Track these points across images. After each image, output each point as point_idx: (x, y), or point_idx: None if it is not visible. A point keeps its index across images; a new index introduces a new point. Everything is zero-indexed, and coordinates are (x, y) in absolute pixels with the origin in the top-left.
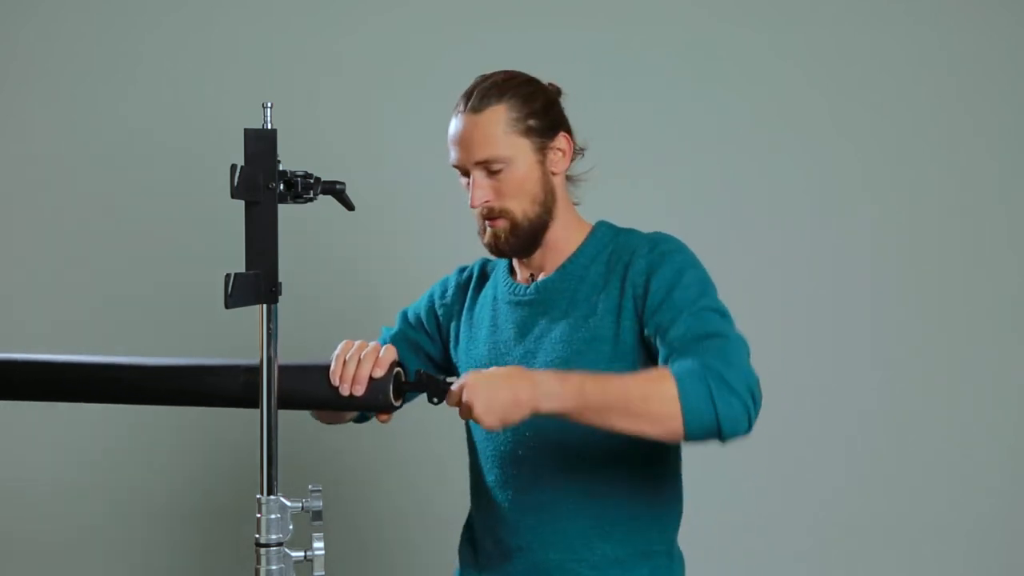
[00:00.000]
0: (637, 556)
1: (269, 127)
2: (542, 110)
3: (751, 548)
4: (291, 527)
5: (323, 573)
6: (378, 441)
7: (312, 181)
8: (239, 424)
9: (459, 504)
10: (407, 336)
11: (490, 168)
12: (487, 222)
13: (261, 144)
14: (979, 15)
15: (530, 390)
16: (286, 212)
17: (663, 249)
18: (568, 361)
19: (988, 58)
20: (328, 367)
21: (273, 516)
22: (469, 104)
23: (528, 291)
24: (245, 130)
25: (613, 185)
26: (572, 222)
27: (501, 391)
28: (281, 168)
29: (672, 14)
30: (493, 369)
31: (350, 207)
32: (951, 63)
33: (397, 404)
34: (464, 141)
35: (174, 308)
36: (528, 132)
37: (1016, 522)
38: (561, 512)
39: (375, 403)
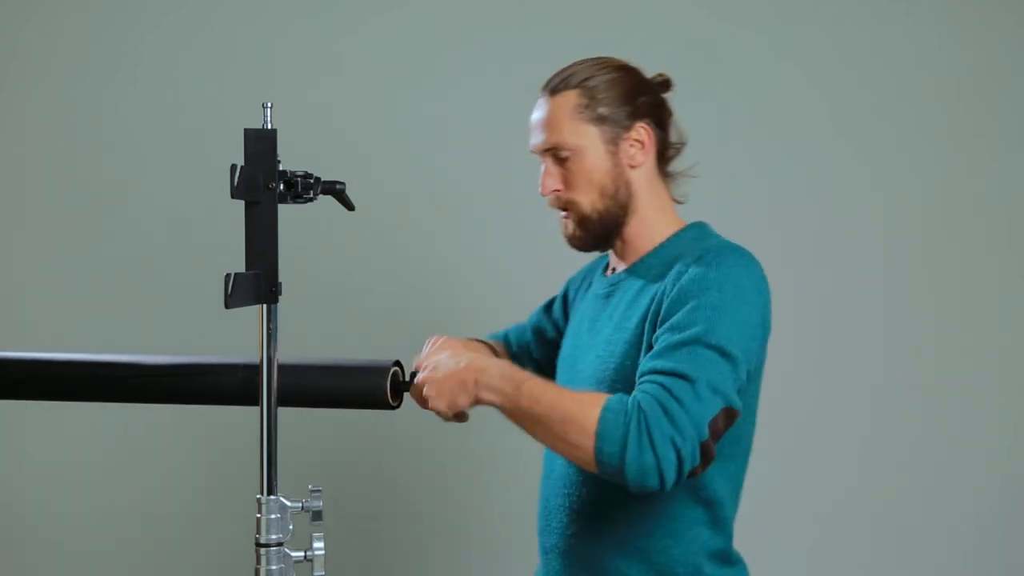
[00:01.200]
0: None
1: (269, 127)
2: (621, 98)
3: (754, 549)
4: (291, 527)
5: (323, 573)
6: (378, 441)
7: (312, 181)
8: (239, 424)
9: (458, 503)
10: (538, 323)
11: (558, 155)
12: (561, 214)
13: (261, 144)
14: (980, 15)
15: (474, 376)
16: (286, 212)
17: (707, 262)
18: (605, 361)
19: (989, 58)
20: (328, 366)
21: (273, 516)
22: (549, 85)
23: (603, 284)
24: (245, 130)
25: None
26: (657, 220)
27: (450, 376)
28: (281, 168)
29: (672, 14)
30: (447, 354)
31: (350, 207)
32: (952, 63)
33: (395, 404)
34: (536, 125)
35: (174, 308)
36: (599, 120)
37: (1020, 522)
38: (589, 524)
39: (373, 403)
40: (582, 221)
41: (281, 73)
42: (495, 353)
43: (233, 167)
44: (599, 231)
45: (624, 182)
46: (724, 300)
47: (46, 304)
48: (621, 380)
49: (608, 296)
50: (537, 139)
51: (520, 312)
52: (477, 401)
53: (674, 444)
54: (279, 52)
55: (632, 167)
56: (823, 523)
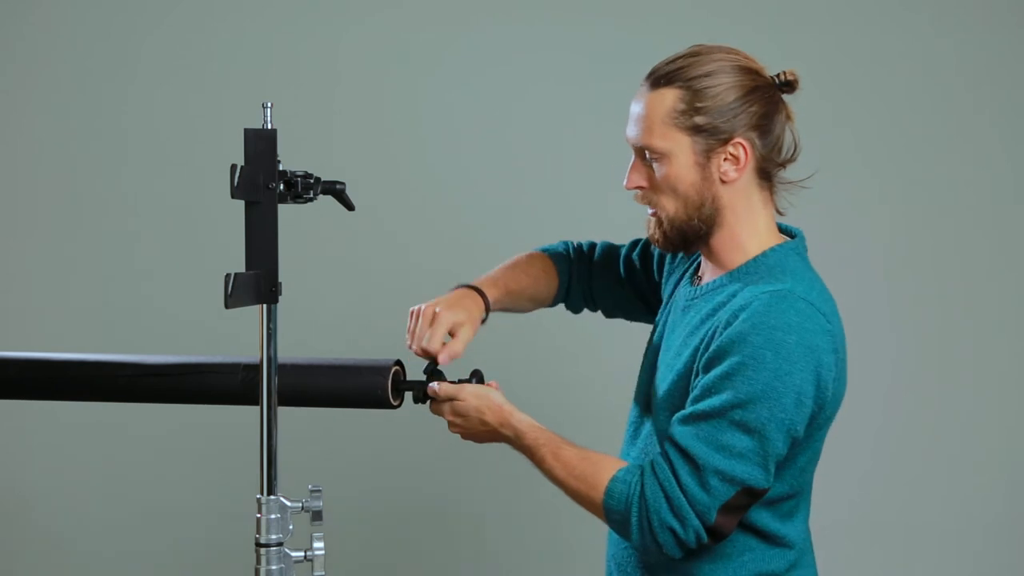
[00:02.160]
0: None
1: (269, 127)
2: (725, 108)
3: None
4: (291, 527)
5: (323, 573)
6: (378, 441)
7: (312, 181)
8: (239, 424)
9: (458, 503)
10: (634, 258)
11: (644, 152)
12: (647, 211)
13: (261, 144)
14: (982, 15)
15: (495, 434)
16: (286, 212)
17: (751, 315)
18: (658, 387)
19: (990, 57)
20: (329, 366)
21: (273, 516)
22: (654, 74)
23: (686, 296)
24: (245, 130)
25: (614, 188)
26: (749, 235)
27: (477, 428)
28: (281, 168)
29: (672, 14)
30: (479, 404)
31: (350, 207)
32: (955, 63)
33: (395, 403)
34: (632, 117)
35: (174, 308)
36: (694, 130)
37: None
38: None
39: (374, 403)
40: (662, 225)
41: (281, 73)
42: (484, 300)
43: (233, 167)
44: (678, 239)
45: (712, 196)
46: (760, 370)
47: (46, 304)
48: (664, 410)
49: (686, 310)
50: (630, 133)
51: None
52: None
53: (674, 535)
54: (279, 52)
55: (724, 182)
56: (830, 523)
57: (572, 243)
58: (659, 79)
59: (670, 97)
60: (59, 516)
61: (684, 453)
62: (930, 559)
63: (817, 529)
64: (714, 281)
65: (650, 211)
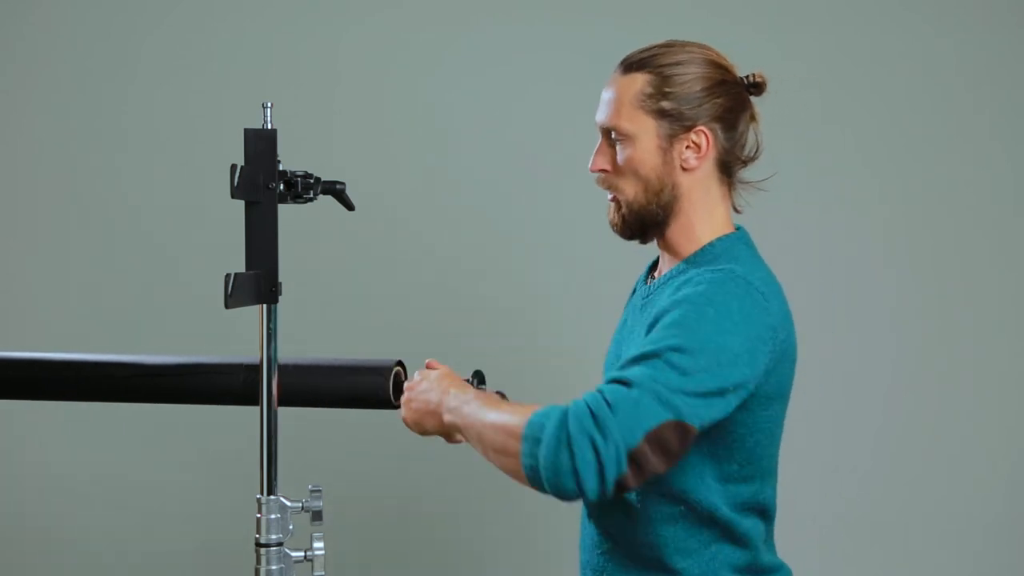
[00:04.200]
0: None
1: (269, 127)
2: (692, 96)
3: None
4: (291, 527)
5: (323, 573)
6: (378, 441)
7: (312, 181)
8: (239, 424)
9: (458, 503)
10: None
11: (610, 136)
12: (607, 195)
13: (261, 144)
14: (983, 15)
15: (438, 397)
16: (286, 212)
17: (699, 282)
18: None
19: (990, 57)
20: (329, 366)
21: (273, 516)
22: (626, 60)
23: (639, 293)
24: (245, 130)
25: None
26: (702, 226)
27: (422, 395)
28: (281, 168)
29: (672, 14)
30: (434, 374)
31: (350, 207)
32: (955, 63)
33: (397, 404)
34: (602, 100)
35: (174, 308)
36: (659, 114)
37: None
38: (605, 539)
39: (375, 403)
40: (621, 210)
41: (281, 73)
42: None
43: (233, 167)
44: (635, 225)
45: (671, 183)
46: (701, 323)
47: (46, 304)
48: None
49: (644, 307)
50: (599, 115)
51: (519, 312)
52: (443, 426)
53: (593, 445)
54: (279, 52)
55: (684, 170)
56: (832, 523)
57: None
58: (631, 65)
59: (639, 81)
60: (59, 516)
61: (617, 380)
62: (930, 559)
63: (817, 529)
64: (669, 272)
65: (609, 196)
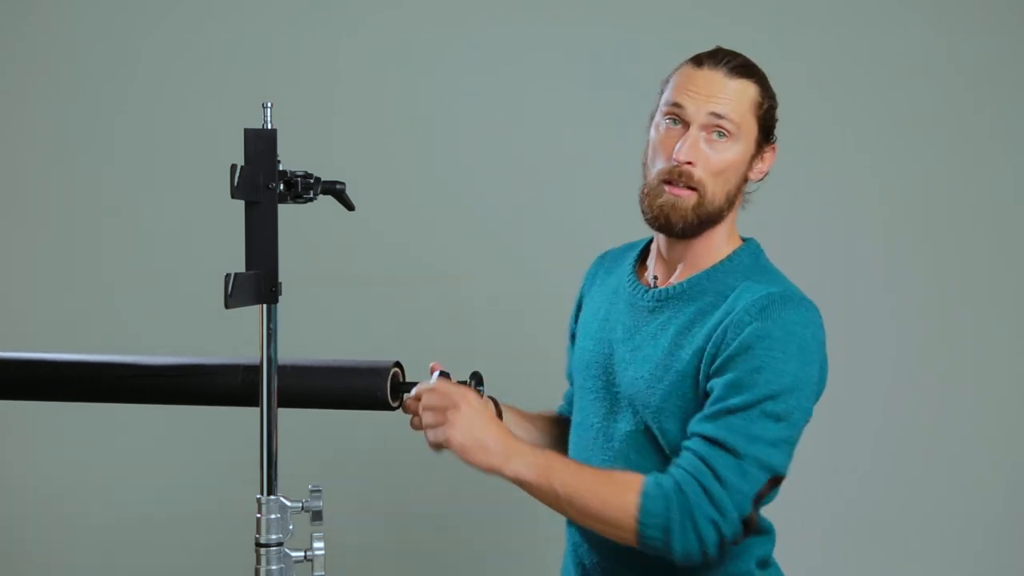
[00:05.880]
0: None
1: (269, 127)
2: (774, 112)
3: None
4: (291, 527)
5: (323, 573)
6: (378, 441)
7: (312, 181)
8: (239, 424)
9: (458, 503)
10: (572, 331)
11: (718, 129)
12: (668, 187)
13: (261, 144)
14: (984, 15)
15: (502, 443)
16: (286, 212)
17: (770, 315)
18: (651, 386)
19: (990, 57)
20: (328, 367)
21: (273, 516)
22: (723, 64)
23: (647, 296)
24: (245, 130)
25: (614, 188)
26: (729, 233)
27: (479, 429)
28: (281, 168)
29: (672, 14)
30: (482, 404)
31: (350, 207)
32: (955, 63)
33: (395, 405)
34: (707, 92)
35: (174, 308)
36: (760, 123)
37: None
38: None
39: (373, 404)
40: (697, 207)
41: (281, 73)
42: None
43: (233, 167)
44: (703, 223)
45: (740, 189)
46: (788, 363)
47: (47, 304)
48: (667, 410)
49: (653, 311)
50: (706, 104)
51: (520, 313)
52: (492, 468)
53: (717, 528)
54: (279, 52)
55: (747, 179)
56: (832, 523)
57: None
58: (738, 68)
59: (752, 88)
60: (59, 516)
61: (721, 446)
62: (930, 559)
63: (817, 529)
64: (688, 280)
65: (673, 191)
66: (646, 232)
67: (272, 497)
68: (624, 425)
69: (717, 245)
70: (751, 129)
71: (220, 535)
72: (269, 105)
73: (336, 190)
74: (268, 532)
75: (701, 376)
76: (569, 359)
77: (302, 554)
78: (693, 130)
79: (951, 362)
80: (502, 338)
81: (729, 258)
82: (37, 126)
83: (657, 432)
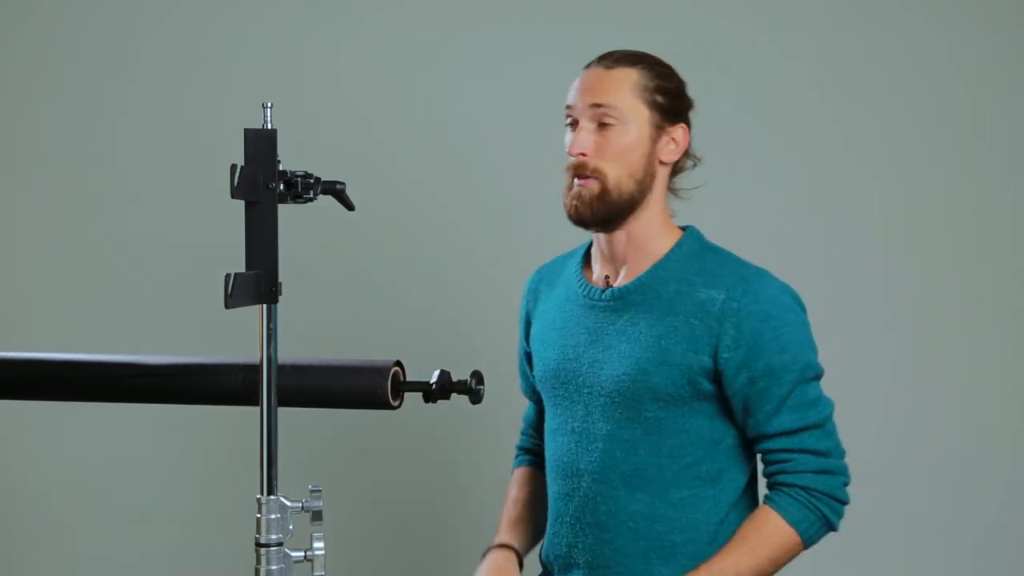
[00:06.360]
0: None
1: (269, 127)
2: (672, 93)
3: None
4: (291, 527)
5: (323, 573)
6: (378, 441)
7: (312, 181)
8: (239, 424)
9: (459, 503)
10: (526, 350)
11: (602, 119)
12: (577, 180)
13: (261, 144)
14: (984, 16)
15: None
16: (286, 212)
17: (764, 310)
18: (634, 379)
19: (990, 57)
20: (328, 367)
21: (273, 516)
22: (602, 61)
23: (604, 295)
24: (245, 130)
25: None
26: (664, 222)
27: None
28: (281, 168)
29: (672, 14)
30: None
31: (350, 207)
32: (955, 63)
33: (395, 404)
34: (586, 87)
35: (174, 308)
36: (652, 105)
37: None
38: (620, 531)
39: (373, 403)
40: (602, 195)
41: (281, 73)
42: (518, 555)
43: (233, 167)
44: (613, 210)
45: (651, 172)
46: (796, 329)
47: (46, 304)
48: (664, 400)
49: (616, 310)
50: (587, 97)
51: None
52: None
53: (844, 483)
54: (279, 52)
55: (662, 162)
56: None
57: (524, 442)
58: (617, 60)
59: (633, 73)
60: (58, 516)
61: (805, 428)
62: (930, 559)
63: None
64: (645, 274)
65: (578, 181)
66: None
67: (272, 497)
68: (604, 424)
69: (654, 235)
70: (639, 112)
71: (220, 535)
72: (269, 105)
73: (336, 190)
74: (268, 532)
75: (720, 364)
76: (525, 377)
77: (302, 554)
78: (582, 123)
79: (951, 362)
80: (502, 338)
81: (678, 245)
82: (37, 126)
83: (641, 423)
